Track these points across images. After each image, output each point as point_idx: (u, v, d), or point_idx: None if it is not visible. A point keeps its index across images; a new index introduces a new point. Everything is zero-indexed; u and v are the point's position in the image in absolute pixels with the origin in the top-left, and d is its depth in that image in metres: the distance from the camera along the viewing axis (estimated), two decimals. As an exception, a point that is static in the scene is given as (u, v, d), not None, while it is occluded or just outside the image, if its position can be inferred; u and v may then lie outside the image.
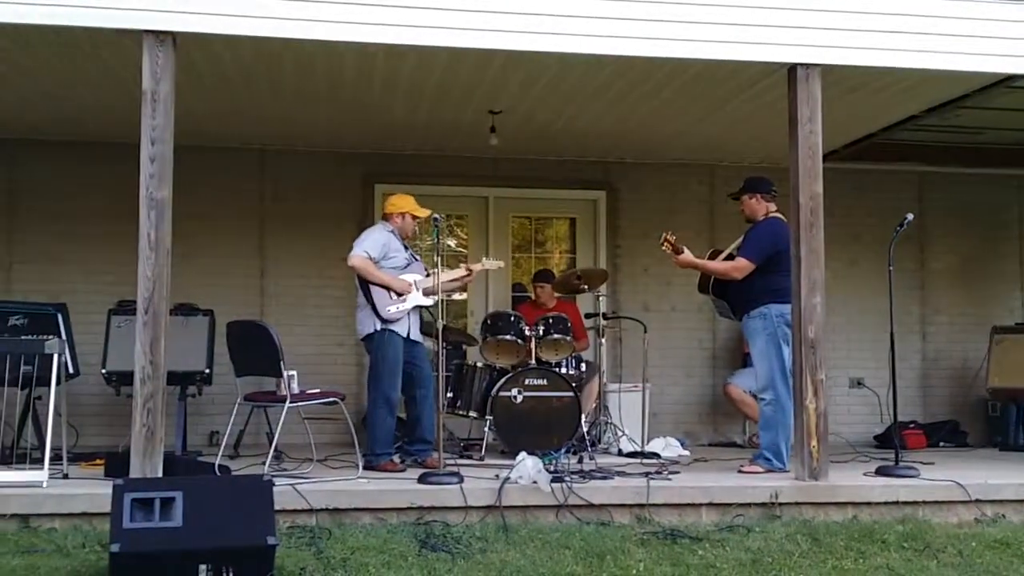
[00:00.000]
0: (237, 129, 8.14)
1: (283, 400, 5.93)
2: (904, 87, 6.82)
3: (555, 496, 5.41)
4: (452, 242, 9.40)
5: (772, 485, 5.69)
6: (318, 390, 6.28)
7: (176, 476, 5.29)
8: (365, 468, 6.18)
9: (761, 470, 6.22)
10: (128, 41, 5.59)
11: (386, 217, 6.76)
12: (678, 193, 9.27)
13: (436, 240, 6.29)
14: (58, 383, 5.57)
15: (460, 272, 6.97)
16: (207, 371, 7.30)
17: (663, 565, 4.61)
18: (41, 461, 5.43)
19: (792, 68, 6.10)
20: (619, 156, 9.11)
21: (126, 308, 7.11)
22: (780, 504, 5.59)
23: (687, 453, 7.64)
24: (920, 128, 8.15)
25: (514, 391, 7.08)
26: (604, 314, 7.79)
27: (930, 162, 9.36)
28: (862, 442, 8.62)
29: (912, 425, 8.84)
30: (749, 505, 5.60)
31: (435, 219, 6.21)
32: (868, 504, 5.71)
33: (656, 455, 7.25)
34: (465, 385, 7.39)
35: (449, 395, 7.28)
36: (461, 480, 5.55)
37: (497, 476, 5.62)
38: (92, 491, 5.13)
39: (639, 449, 7.39)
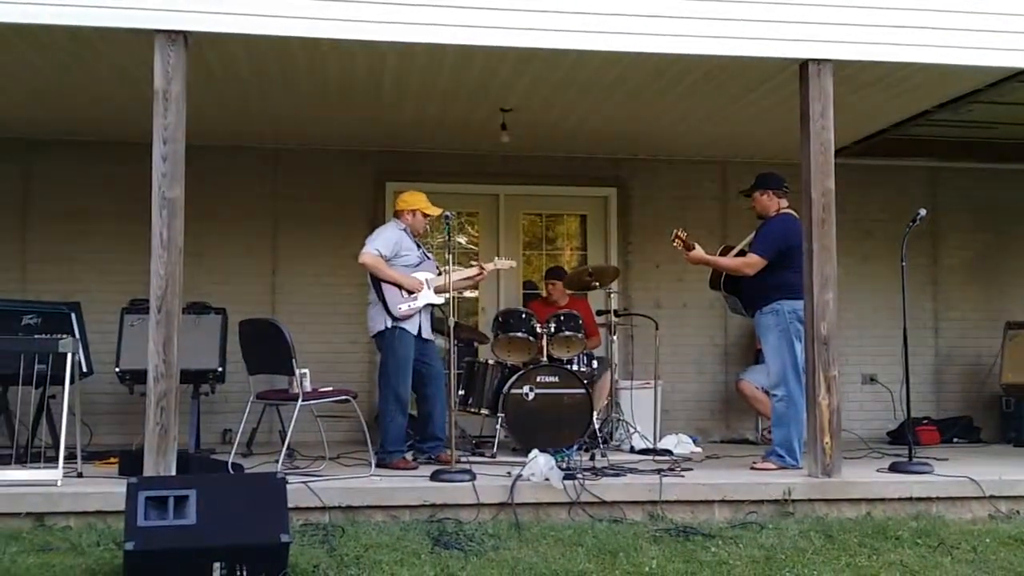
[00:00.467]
0: (249, 128, 8.16)
1: (295, 398, 5.95)
2: (916, 82, 6.79)
3: (567, 493, 5.42)
4: (463, 239, 9.40)
5: (785, 482, 5.68)
6: (330, 388, 6.30)
7: (190, 474, 5.31)
8: (378, 465, 6.19)
9: (774, 467, 6.21)
10: (140, 41, 5.60)
11: (397, 214, 6.77)
12: (690, 189, 9.25)
13: (448, 238, 6.33)
14: (72, 382, 5.60)
15: (472, 271, 6.98)
16: (220, 369, 7.32)
17: (676, 562, 4.60)
18: (55, 460, 5.47)
19: (804, 64, 6.08)
20: (630, 153, 9.10)
21: (139, 307, 7.13)
22: (793, 501, 5.59)
23: (699, 450, 7.63)
24: (933, 123, 8.11)
25: (526, 388, 7.08)
26: (616, 311, 7.77)
27: (943, 157, 9.32)
28: (875, 438, 8.60)
29: (925, 421, 8.82)
30: (762, 502, 5.60)
31: (447, 217, 6.23)
32: (882, 500, 5.70)
33: (668, 452, 7.25)
34: (477, 382, 7.39)
35: (461, 393, 7.29)
36: (473, 477, 5.55)
37: (509, 473, 5.62)
38: (106, 489, 5.16)
39: (651, 446, 7.38)
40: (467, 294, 8.68)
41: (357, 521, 5.23)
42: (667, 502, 5.52)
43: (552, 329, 7.34)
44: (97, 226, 8.37)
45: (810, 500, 5.64)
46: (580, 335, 7.41)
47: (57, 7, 5.44)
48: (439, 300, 6.61)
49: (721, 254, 6.85)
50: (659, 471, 5.96)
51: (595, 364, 7.76)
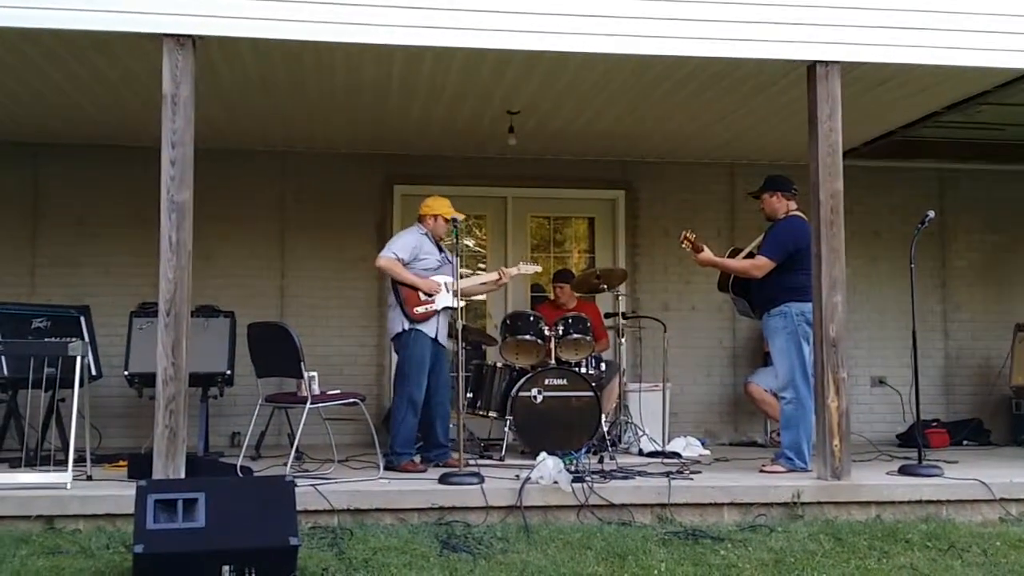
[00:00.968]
0: (257, 131, 8.18)
1: (304, 401, 5.96)
2: (924, 84, 6.78)
3: (576, 496, 5.41)
4: (471, 242, 9.40)
5: (794, 484, 5.66)
6: (338, 391, 6.30)
7: (199, 477, 5.31)
8: (386, 468, 6.20)
9: (783, 469, 6.20)
10: (148, 45, 5.62)
11: (421, 219, 6.79)
12: (698, 192, 9.24)
13: (456, 240, 6.37)
14: (81, 385, 5.61)
15: (492, 276, 6.97)
16: (228, 372, 7.34)
17: (685, 565, 4.60)
18: (65, 463, 5.48)
19: (811, 66, 6.07)
20: (638, 155, 9.09)
21: (148, 310, 7.15)
22: (802, 504, 5.57)
23: (708, 453, 7.63)
24: (941, 125, 8.09)
25: (534, 391, 7.08)
26: (624, 313, 7.77)
27: (952, 159, 9.30)
28: (884, 441, 8.59)
29: (935, 423, 8.78)
30: (771, 505, 5.58)
31: (453, 220, 6.33)
32: (891, 503, 5.68)
33: (677, 455, 7.24)
34: (485, 385, 7.39)
35: (469, 395, 7.29)
36: (482, 480, 5.55)
37: (518, 476, 5.61)
38: (116, 492, 5.17)
39: (660, 449, 7.37)
40: (476, 297, 8.67)
41: (366, 524, 5.23)
42: (676, 505, 5.51)
43: (560, 332, 7.34)
44: (106, 230, 8.40)
45: (819, 503, 5.63)
46: (588, 338, 7.40)
47: (65, 12, 5.45)
48: (458, 304, 6.65)
49: (729, 256, 6.84)
50: (668, 474, 5.95)
51: (603, 367, 7.75)
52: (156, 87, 5.54)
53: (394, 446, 6.44)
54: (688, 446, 7.60)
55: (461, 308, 6.64)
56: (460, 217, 6.60)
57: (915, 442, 6.62)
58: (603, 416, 7.18)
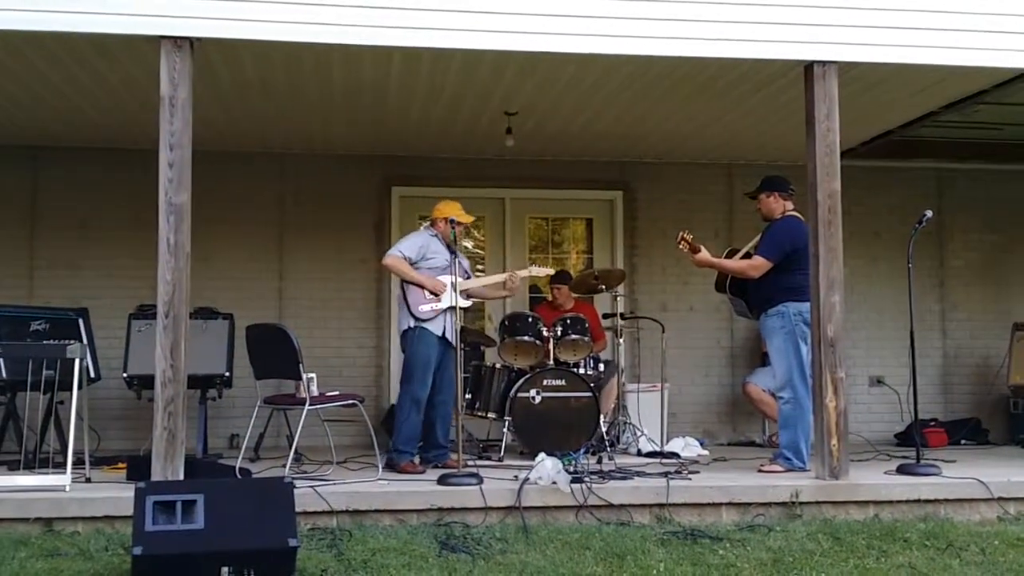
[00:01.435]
0: (255, 133, 8.18)
1: (302, 403, 5.96)
2: (922, 83, 6.79)
3: (575, 497, 5.42)
4: (469, 243, 9.40)
5: (792, 484, 5.67)
6: (337, 392, 6.31)
7: (197, 479, 5.31)
8: (386, 466, 6.24)
9: (781, 469, 6.20)
10: (146, 47, 5.63)
11: (432, 222, 6.84)
12: (695, 192, 9.25)
13: (453, 241, 6.40)
14: (80, 387, 5.61)
15: (501, 277, 6.99)
16: (227, 374, 7.34)
17: (684, 565, 4.60)
18: (64, 465, 5.49)
19: (809, 66, 6.08)
20: (636, 156, 9.10)
21: (146, 312, 7.16)
22: (801, 503, 5.58)
23: (706, 453, 7.63)
24: (939, 124, 8.10)
25: (532, 392, 7.08)
26: (622, 314, 7.78)
27: (949, 158, 9.32)
28: (883, 440, 8.60)
29: (933, 423, 8.78)
30: (769, 504, 5.59)
31: (452, 221, 6.38)
32: (889, 503, 5.69)
33: (675, 455, 7.24)
34: (483, 386, 7.40)
35: (468, 396, 7.30)
36: (480, 481, 5.56)
37: (516, 477, 5.62)
38: (114, 494, 5.16)
39: (658, 449, 7.38)
40: (487, 299, 8.61)
41: (364, 525, 5.23)
42: (674, 505, 5.52)
43: (558, 333, 7.35)
44: (104, 232, 8.40)
45: (817, 502, 5.64)
46: (586, 338, 7.41)
47: (64, 15, 5.46)
48: (466, 304, 6.70)
49: (726, 257, 6.85)
50: (666, 474, 5.95)
51: (602, 367, 7.76)
52: (154, 89, 5.54)
53: (396, 443, 6.47)
54: (686, 446, 7.61)
55: (463, 309, 6.67)
56: (460, 220, 6.61)
57: (913, 441, 6.64)
58: (602, 417, 7.19)
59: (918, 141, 8.77)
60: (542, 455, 5.77)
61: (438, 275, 6.60)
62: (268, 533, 4.24)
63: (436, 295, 6.55)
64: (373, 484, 5.71)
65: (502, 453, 6.99)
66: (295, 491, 4.50)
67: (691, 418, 8.97)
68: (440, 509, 5.34)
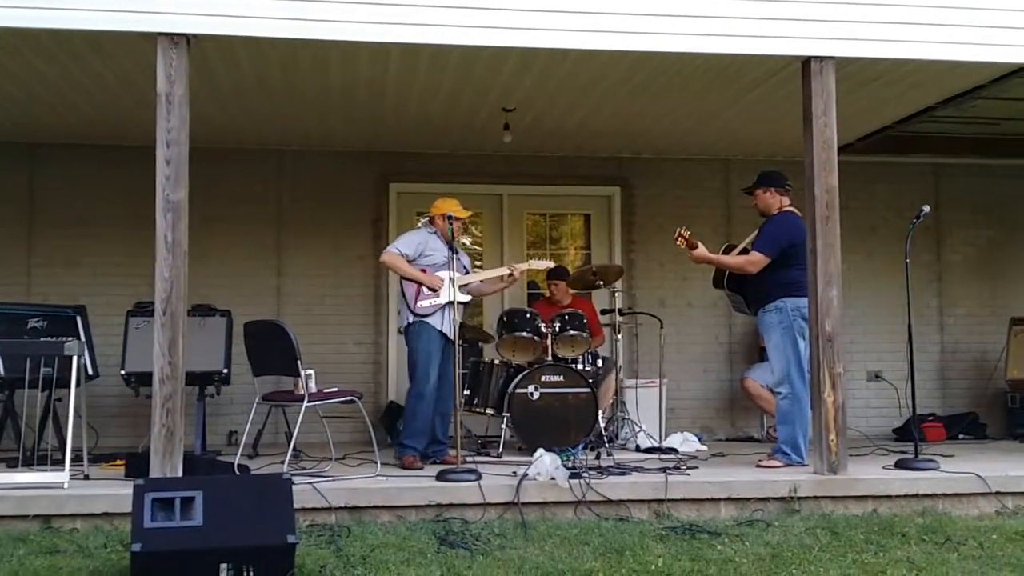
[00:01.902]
0: (252, 130, 8.17)
1: (301, 399, 5.96)
2: (919, 79, 6.79)
3: (573, 492, 5.42)
4: (467, 240, 9.40)
5: (791, 479, 5.68)
6: (335, 389, 6.31)
7: (196, 476, 5.32)
8: (396, 456, 6.30)
9: (779, 464, 6.21)
10: (143, 44, 5.62)
11: (431, 220, 6.87)
12: (693, 188, 9.26)
13: (451, 237, 6.41)
14: (78, 385, 5.61)
15: (502, 271, 7.00)
16: (225, 371, 7.33)
17: (682, 560, 4.61)
18: (62, 462, 5.48)
19: (806, 61, 6.08)
20: (634, 152, 9.10)
21: (144, 309, 7.15)
22: (799, 498, 5.59)
23: (705, 448, 7.65)
24: (936, 120, 8.10)
25: (531, 388, 7.08)
26: (620, 310, 7.78)
27: (946, 153, 9.32)
28: (881, 435, 8.60)
29: (931, 418, 8.80)
30: (768, 499, 5.60)
31: (449, 217, 6.40)
32: (888, 497, 5.70)
33: (674, 450, 7.25)
34: (482, 382, 7.39)
35: (466, 392, 7.30)
36: (479, 477, 5.56)
37: (515, 473, 5.63)
38: (113, 491, 5.17)
39: (657, 445, 7.39)
40: (487, 294, 8.61)
41: (363, 521, 5.24)
42: (673, 500, 5.53)
43: (557, 328, 7.34)
44: (102, 229, 8.39)
45: (816, 497, 5.65)
46: (585, 334, 7.41)
47: (60, 12, 5.45)
48: (465, 298, 6.74)
49: (724, 252, 6.85)
50: (665, 469, 5.95)
51: (600, 363, 7.76)
52: (151, 86, 5.53)
53: (402, 436, 6.54)
54: (685, 442, 7.62)
55: (462, 305, 6.68)
56: (458, 215, 6.62)
57: (911, 436, 6.65)
58: (600, 412, 7.19)
59: (915, 136, 8.78)
60: (540, 451, 5.77)
61: (437, 272, 6.62)
62: (267, 530, 4.24)
63: (435, 291, 6.57)
64: (372, 480, 5.72)
65: (500, 449, 7.00)
66: (294, 488, 4.49)
67: (689, 414, 8.98)
68: (439, 505, 5.34)
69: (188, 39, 5.52)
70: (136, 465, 5.66)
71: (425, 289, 6.58)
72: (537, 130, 8.15)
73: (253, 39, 5.76)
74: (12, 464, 6.15)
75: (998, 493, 5.78)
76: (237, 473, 5.72)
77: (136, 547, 4.05)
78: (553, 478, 5.46)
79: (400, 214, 8.89)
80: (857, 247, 8.83)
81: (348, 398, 6.24)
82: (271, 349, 6.15)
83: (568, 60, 6.34)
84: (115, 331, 7.51)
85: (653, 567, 4.50)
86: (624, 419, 7.85)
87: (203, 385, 7.35)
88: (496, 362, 7.46)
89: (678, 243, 6.54)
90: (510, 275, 6.95)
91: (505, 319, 7.45)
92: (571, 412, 7.06)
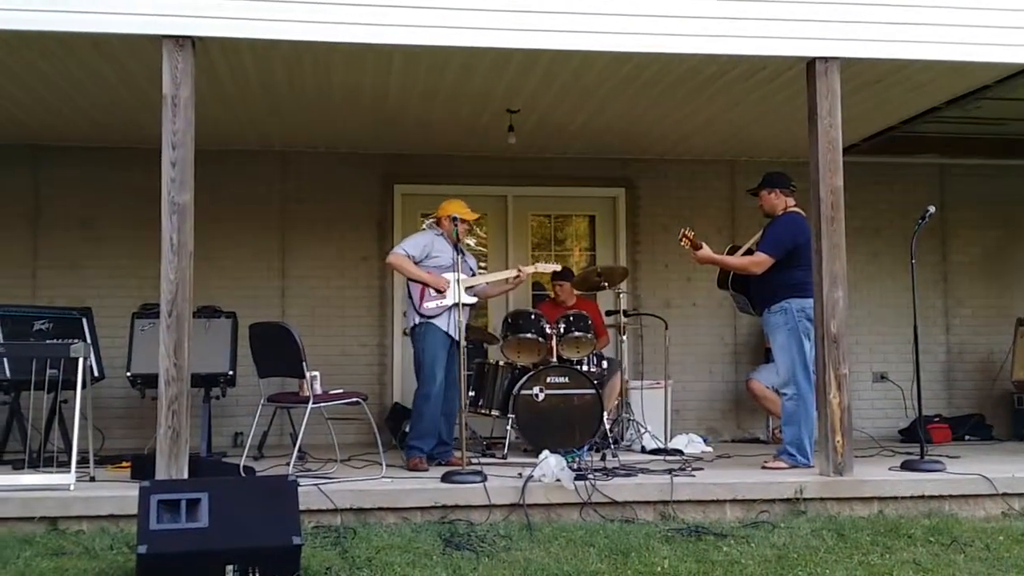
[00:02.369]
0: (256, 132, 8.18)
1: (306, 401, 5.96)
2: (924, 79, 6.78)
3: (579, 494, 5.42)
4: (472, 241, 9.40)
5: (796, 480, 5.67)
6: (341, 391, 6.32)
7: (201, 477, 5.32)
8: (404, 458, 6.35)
9: (785, 466, 6.20)
10: (148, 46, 5.63)
11: (438, 221, 6.87)
12: (698, 189, 9.25)
13: (455, 238, 6.41)
14: (84, 386, 5.62)
15: (509, 273, 6.99)
16: (230, 373, 7.34)
17: (688, 562, 4.60)
18: (68, 464, 5.49)
19: (811, 62, 6.07)
20: (638, 153, 9.09)
21: (150, 311, 7.16)
22: (805, 500, 5.58)
23: (710, 449, 7.64)
24: (941, 120, 8.09)
25: (536, 389, 7.08)
26: (625, 311, 7.77)
27: (952, 154, 9.30)
28: (887, 436, 8.60)
29: (937, 419, 8.79)
30: (773, 501, 5.59)
31: (454, 218, 6.43)
32: (894, 499, 5.68)
33: (679, 452, 7.25)
34: (487, 384, 7.40)
35: (471, 394, 7.30)
36: (484, 479, 5.55)
37: (520, 474, 5.62)
38: (119, 493, 5.17)
39: (662, 446, 7.38)
40: (493, 296, 8.60)
41: (368, 523, 5.24)
42: (678, 502, 5.52)
43: (561, 330, 7.34)
44: (108, 231, 8.41)
45: (822, 499, 5.64)
46: (589, 335, 7.41)
47: (66, 15, 5.46)
48: (471, 301, 6.74)
49: (728, 253, 6.84)
50: (670, 471, 5.95)
51: (605, 364, 7.76)
52: (156, 89, 5.54)
53: (409, 437, 6.54)
54: (690, 443, 7.62)
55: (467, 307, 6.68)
56: (464, 217, 6.63)
57: (917, 437, 6.63)
58: (605, 414, 7.19)
59: (920, 137, 8.76)
60: (546, 452, 5.78)
61: (443, 273, 6.61)
62: (272, 531, 4.24)
63: (441, 292, 6.57)
64: (377, 482, 5.72)
65: (506, 451, 7.00)
66: (299, 489, 4.50)
67: (695, 415, 8.97)
68: (444, 507, 5.34)
69: (193, 41, 5.53)
70: (142, 467, 5.67)
71: (431, 290, 6.58)
72: (541, 131, 8.15)
73: (258, 41, 5.76)
74: (18, 466, 6.17)
75: (1005, 494, 5.77)
76: (242, 475, 5.72)
77: (142, 549, 4.06)
78: (558, 480, 5.46)
79: (404, 215, 8.89)
80: (862, 248, 8.83)
81: (353, 400, 6.24)
82: (276, 351, 6.15)
83: (572, 61, 6.34)
84: (121, 333, 7.52)
85: (659, 569, 4.50)
86: (629, 420, 7.85)
87: (208, 387, 7.35)
88: (501, 363, 7.46)
89: (682, 244, 6.55)
90: (516, 277, 6.94)
91: (510, 320, 7.46)
92: (576, 414, 7.06)
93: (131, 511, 4.50)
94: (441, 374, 6.51)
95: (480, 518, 5.31)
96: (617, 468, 6.05)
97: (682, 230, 6.54)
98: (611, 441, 7.14)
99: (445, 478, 5.64)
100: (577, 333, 7.35)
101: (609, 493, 5.47)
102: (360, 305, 8.72)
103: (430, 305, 6.55)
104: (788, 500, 5.58)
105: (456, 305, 6.47)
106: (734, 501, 5.58)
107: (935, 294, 9.41)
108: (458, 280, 6.47)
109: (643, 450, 7.44)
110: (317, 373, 6.06)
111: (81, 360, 5.60)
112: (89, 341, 6.93)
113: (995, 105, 7.66)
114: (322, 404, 6.08)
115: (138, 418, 7.70)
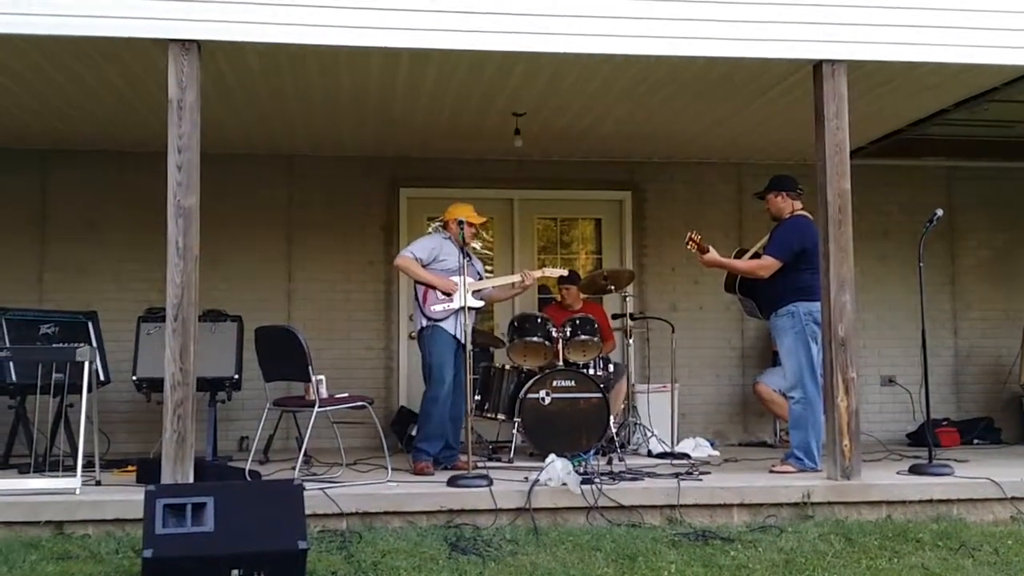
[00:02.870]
0: (262, 136, 8.18)
1: (312, 405, 5.96)
2: (931, 82, 6.75)
3: (585, 498, 5.40)
4: (477, 244, 9.39)
5: (804, 485, 5.65)
6: (346, 394, 6.32)
7: (207, 481, 5.32)
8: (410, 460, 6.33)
9: (792, 469, 6.18)
10: (154, 50, 5.63)
11: (445, 225, 6.88)
12: (704, 192, 9.23)
13: (461, 241, 6.41)
14: (89, 390, 5.62)
15: (514, 277, 6.98)
16: (236, 377, 7.34)
17: (695, 566, 4.59)
18: (74, 468, 5.50)
19: (818, 65, 6.06)
20: (645, 156, 9.08)
21: (155, 315, 7.17)
22: (812, 504, 5.56)
23: (717, 453, 7.62)
24: (949, 123, 8.06)
25: (542, 393, 7.06)
26: (631, 314, 7.76)
27: (960, 157, 9.28)
28: (895, 440, 8.56)
29: (945, 422, 8.75)
30: (781, 505, 5.57)
31: (460, 222, 6.42)
32: (902, 503, 5.66)
33: (686, 456, 7.22)
34: (493, 387, 7.38)
35: (477, 398, 7.28)
36: (490, 483, 5.54)
37: (526, 478, 5.61)
38: (124, 497, 5.17)
39: (669, 450, 7.36)
40: (500, 300, 8.59)
41: (374, 527, 5.23)
42: (685, 506, 5.50)
43: (568, 333, 7.32)
44: (113, 235, 8.42)
45: (829, 503, 5.61)
46: (596, 339, 7.39)
47: (72, 19, 5.46)
48: (478, 304, 6.74)
49: (735, 257, 6.83)
50: (677, 475, 5.94)
51: (611, 368, 7.74)
52: (162, 92, 5.55)
53: (416, 440, 6.54)
54: (697, 447, 7.59)
55: (474, 310, 6.67)
56: (471, 220, 6.62)
57: (925, 441, 6.61)
58: (611, 417, 7.17)
59: (928, 139, 8.73)
60: (552, 456, 5.76)
61: (448, 276, 6.61)
62: (278, 535, 4.24)
63: (448, 295, 6.56)
64: (383, 486, 5.71)
65: (512, 455, 6.98)
66: (305, 493, 4.50)
67: (701, 419, 8.95)
68: (450, 511, 5.33)
69: (199, 45, 5.53)
70: (147, 471, 5.67)
71: (438, 294, 6.57)
72: (547, 134, 8.14)
73: (264, 45, 5.76)
74: (24, 470, 6.17)
75: (1013, 499, 5.74)
76: (248, 479, 5.71)
77: (148, 553, 4.06)
78: (565, 484, 5.44)
79: (411, 219, 8.89)
80: (870, 251, 8.80)
81: (359, 403, 6.23)
82: (282, 354, 6.15)
83: (578, 64, 6.33)
84: (127, 337, 7.53)
85: (666, 574, 4.49)
86: (636, 424, 7.83)
87: (214, 391, 7.36)
88: (507, 367, 7.44)
89: (689, 247, 6.53)
90: (523, 281, 6.93)
91: (516, 324, 7.44)
92: (582, 417, 7.04)
93: (137, 515, 4.49)
94: (450, 376, 6.51)
95: (486, 522, 5.30)
96: (624, 472, 6.03)
97: (689, 233, 6.53)
98: (617, 445, 7.12)
99: (451, 482, 5.63)
100: (583, 337, 7.33)
101: (616, 497, 5.45)
102: (366, 309, 8.72)
103: (436, 308, 6.55)
104: (796, 504, 5.56)
105: (462, 309, 6.46)
106: (741, 505, 5.56)
107: (943, 297, 9.38)
108: (464, 284, 6.47)
109: (650, 454, 7.43)
110: (323, 377, 6.06)
111: (87, 364, 5.60)
112: (95, 345, 6.94)
113: (1003, 107, 7.63)
114: (328, 408, 6.07)
115: (144, 422, 7.70)
